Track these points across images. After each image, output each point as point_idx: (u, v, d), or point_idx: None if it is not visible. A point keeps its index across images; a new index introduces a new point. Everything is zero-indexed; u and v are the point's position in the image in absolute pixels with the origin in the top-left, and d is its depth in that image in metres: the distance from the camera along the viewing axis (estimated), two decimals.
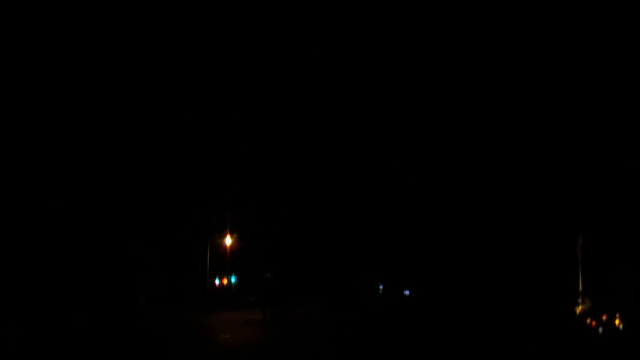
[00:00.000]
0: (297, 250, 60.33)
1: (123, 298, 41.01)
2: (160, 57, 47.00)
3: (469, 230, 54.26)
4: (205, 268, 47.87)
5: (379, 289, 71.83)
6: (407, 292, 69.79)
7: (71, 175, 40.97)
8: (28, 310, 30.63)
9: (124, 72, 44.23)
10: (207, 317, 34.05)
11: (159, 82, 46.49)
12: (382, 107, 60.41)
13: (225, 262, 51.75)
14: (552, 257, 40.96)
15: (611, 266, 31.96)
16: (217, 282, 53.69)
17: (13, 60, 37.40)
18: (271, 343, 21.49)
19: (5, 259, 35.31)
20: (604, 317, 26.93)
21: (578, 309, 33.50)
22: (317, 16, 57.63)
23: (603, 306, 28.71)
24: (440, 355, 18.67)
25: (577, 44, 36.48)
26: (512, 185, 45.54)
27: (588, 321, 28.81)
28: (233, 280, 55.67)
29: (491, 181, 48.37)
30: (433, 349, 20.16)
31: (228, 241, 50.85)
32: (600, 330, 26.49)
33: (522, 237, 45.50)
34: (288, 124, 57.93)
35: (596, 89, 34.69)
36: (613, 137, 33.25)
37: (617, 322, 25.86)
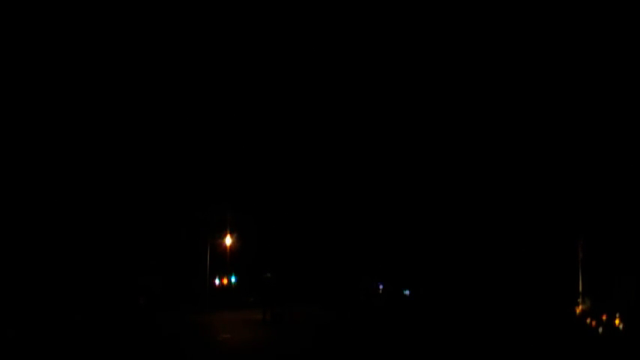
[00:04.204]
0: (297, 250, 60.41)
1: (123, 298, 41.02)
2: (159, 57, 47.00)
3: (469, 230, 54.23)
4: (205, 268, 47.91)
5: (379, 288, 71.76)
6: (407, 292, 69.70)
7: (70, 174, 40.98)
8: (27, 309, 30.64)
9: (124, 72, 44.24)
10: (207, 317, 34.07)
11: (158, 82, 46.52)
12: (382, 107, 60.33)
13: (225, 262, 51.81)
14: (552, 257, 40.94)
15: (611, 266, 31.96)
16: (217, 282, 53.79)
17: (13, 60, 37.41)
18: (271, 343, 21.49)
19: (5, 259, 35.32)
20: (604, 317, 26.93)
21: (578, 309, 33.49)
22: (317, 16, 57.59)
23: (603, 306, 28.71)
24: (440, 355, 18.67)
25: (577, 44, 36.45)
26: (512, 185, 45.50)
27: (588, 321, 28.80)
28: (233, 279, 55.78)
29: (492, 182, 48.33)
30: (433, 348, 20.16)
31: (228, 241, 50.88)
32: (600, 330, 26.49)
33: (522, 237, 45.47)
34: (287, 125, 57.93)
35: (597, 90, 34.66)
36: (613, 138, 33.25)
37: (617, 322, 25.86)
